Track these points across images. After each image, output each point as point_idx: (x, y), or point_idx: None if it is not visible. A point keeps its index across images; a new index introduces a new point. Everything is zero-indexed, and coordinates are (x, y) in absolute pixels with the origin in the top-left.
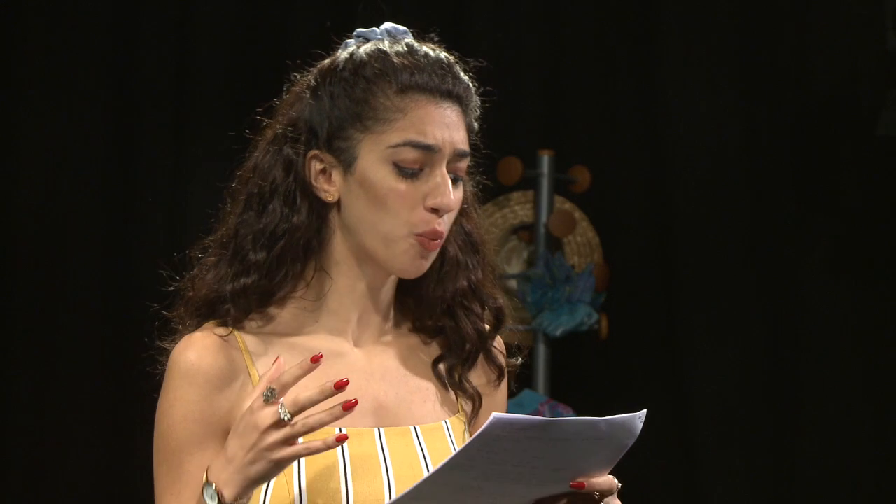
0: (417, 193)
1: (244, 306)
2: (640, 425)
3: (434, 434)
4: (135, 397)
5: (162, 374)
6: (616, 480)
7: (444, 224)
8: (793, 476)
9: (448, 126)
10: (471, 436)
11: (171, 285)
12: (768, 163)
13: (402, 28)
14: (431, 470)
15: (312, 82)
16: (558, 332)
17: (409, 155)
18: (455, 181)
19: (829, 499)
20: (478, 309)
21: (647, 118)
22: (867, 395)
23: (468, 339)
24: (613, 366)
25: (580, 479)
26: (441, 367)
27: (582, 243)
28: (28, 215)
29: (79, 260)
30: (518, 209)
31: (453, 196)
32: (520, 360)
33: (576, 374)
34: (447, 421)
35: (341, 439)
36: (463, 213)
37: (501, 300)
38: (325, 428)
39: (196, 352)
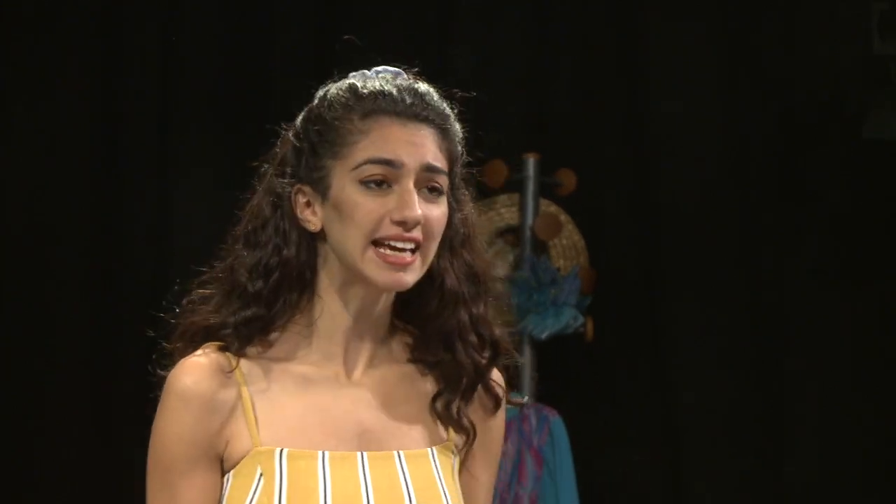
0: (383, 208)
1: (246, 335)
2: None
3: (418, 461)
4: (123, 400)
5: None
6: None
7: (418, 232)
8: (780, 476)
9: (413, 143)
10: (461, 467)
11: (168, 316)
12: (754, 165)
13: (393, 70)
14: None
15: (297, 124)
16: (544, 335)
17: (372, 171)
18: (434, 193)
19: (815, 497)
20: (476, 342)
21: (632, 121)
22: (853, 395)
23: (465, 372)
24: (599, 368)
25: None
26: (439, 403)
27: (567, 246)
28: (13, 219)
29: (64, 263)
30: (504, 212)
31: (425, 213)
32: (525, 398)
33: (562, 377)
34: (433, 449)
35: None
36: (464, 243)
37: (500, 333)
38: (310, 452)
39: (192, 375)
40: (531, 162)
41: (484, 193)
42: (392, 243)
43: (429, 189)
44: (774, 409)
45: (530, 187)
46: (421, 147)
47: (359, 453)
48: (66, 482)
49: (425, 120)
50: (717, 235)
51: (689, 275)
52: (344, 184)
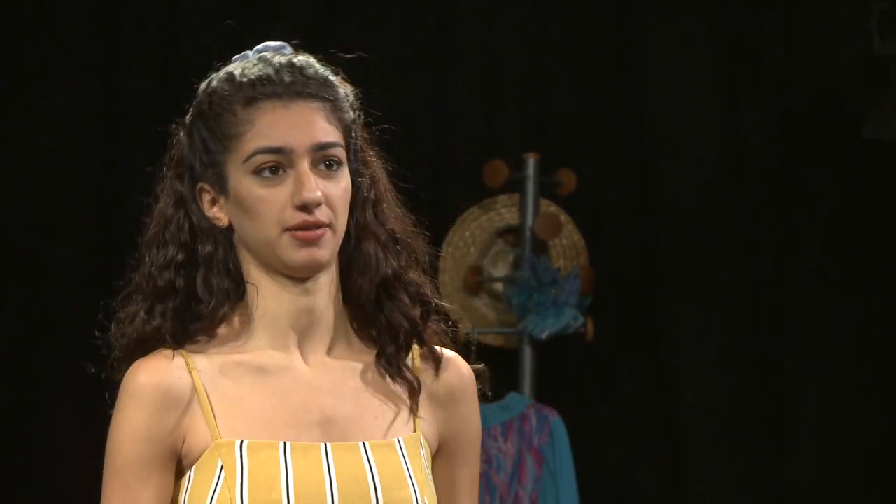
0: (283, 196)
1: (182, 329)
2: None
3: (384, 450)
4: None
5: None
6: None
7: (324, 213)
8: (780, 476)
9: (298, 124)
10: (440, 462)
11: (98, 339)
12: (754, 165)
13: (275, 44)
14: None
15: (186, 120)
16: (544, 335)
17: (263, 160)
18: (332, 167)
19: (815, 497)
20: (405, 298)
21: (632, 121)
22: (853, 395)
23: (399, 327)
24: (599, 368)
25: None
26: (382, 361)
27: (568, 246)
28: (13, 219)
29: (64, 263)
30: (504, 212)
31: (323, 189)
32: (482, 365)
33: (562, 377)
34: (400, 438)
35: None
36: (375, 205)
37: (427, 287)
38: (271, 443)
39: (144, 373)
40: (531, 162)
41: (484, 193)
42: (303, 230)
43: (326, 165)
44: (774, 409)
45: (530, 187)
46: (308, 126)
47: (322, 444)
48: (66, 482)
49: (308, 96)
50: (717, 235)
51: (689, 275)
52: (239, 177)
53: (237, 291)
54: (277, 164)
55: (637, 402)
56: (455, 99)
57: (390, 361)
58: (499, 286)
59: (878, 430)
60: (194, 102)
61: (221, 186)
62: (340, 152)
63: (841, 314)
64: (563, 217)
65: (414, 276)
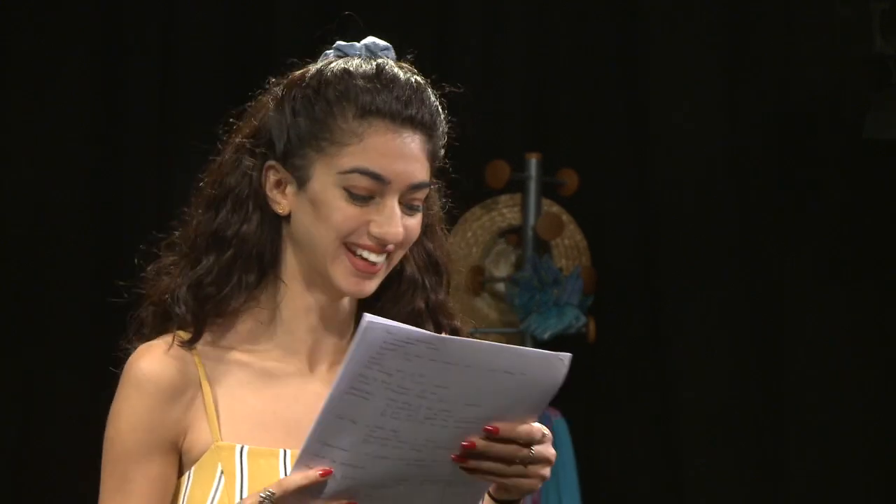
0: (363, 217)
1: (196, 312)
2: (562, 370)
3: None
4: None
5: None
6: (546, 429)
7: (393, 245)
8: (780, 475)
9: (404, 157)
10: None
11: (139, 286)
12: (755, 165)
13: (382, 44)
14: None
15: (279, 93)
16: (546, 335)
17: (360, 182)
18: (411, 209)
19: (816, 498)
20: (433, 330)
21: (634, 121)
22: (855, 395)
23: None
24: (601, 368)
25: (494, 424)
26: None
27: (570, 246)
28: (13, 219)
29: (64, 263)
30: (506, 212)
31: (404, 228)
32: None
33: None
34: None
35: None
36: (426, 231)
37: (459, 323)
38: (271, 450)
39: (148, 361)
40: (533, 162)
41: (486, 193)
42: (365, 254)
43: (411, 205)
44: (774, 409)
45: (532, 187)
46: (411, 162)
47: None
48: (66, 482)
49: (419, 126)
50: (718, 235)
51: (691, 274)
52: (326, 183)
53: (258, 285)
54: (370, 190)
55: (638, 402)
56: (456, 99)
57: None
58: (501, 286)
59: (878, 430)
60: (298, 82)
61: (300, 178)
62: (426, 192)
63: (841, 313)
64: (565, 217)
65: (449, 307)
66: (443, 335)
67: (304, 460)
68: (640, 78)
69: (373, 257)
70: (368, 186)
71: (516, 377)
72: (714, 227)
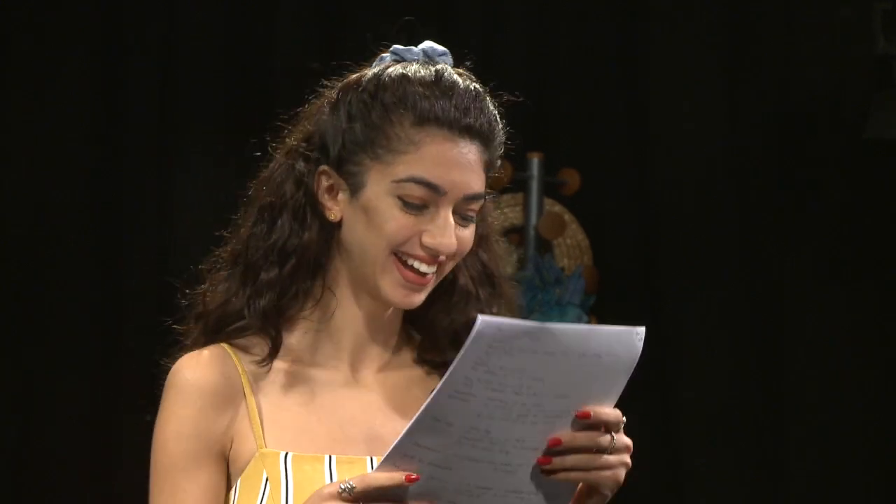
0: (416, 227)
1: (259, 327)
2: (639, 344)
3: None
4: (124, 401)
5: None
6: (621, 413)
7: (444, 265)
8: (780, 475)
9: (461, 167)
10: None
11: (183, 300)
12: (755, 165)
13: (440, 49)
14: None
15: (333, 96)
16: None
17: (415, 191)
18: (465, 220)
19: (816, 497)
20: None
21: (635, 121)
22: (855, 395)
23: None
24: None
25: (586, 409)
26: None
27: (571, 245)
28: (13, 219)
29: (64, 263)
30: (508, 212)
31: (457, 238)
32: None
33: None
34: None
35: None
36: (480, 242)
37: None
38: (316, 456)
39: (192, 369)
40: (535, 161)
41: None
42: (416, 264)
43: (465, 215)
44: (774, 409)
45: (534, 187)
46: (467, 173)
47: (368, 458)
48: (66, 482)
49: (477, 136)
50: (718, 235)
51: (692, 274)
52: (380, 191)
53: (312, 292)
54: (425, 200)
55: (639, 401)
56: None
57: None
58: None
59: (878, 430)
60: (354, 86)
61: (353, 185)
62: (481, 203)
63: (841, 314)
64: (567, 216)
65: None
66: (544, 323)
67: (392, 458)
68: (640, 78)
69: (424, 268)
70: (423, 196)
71: (603, 359)
72: (714, 227)
